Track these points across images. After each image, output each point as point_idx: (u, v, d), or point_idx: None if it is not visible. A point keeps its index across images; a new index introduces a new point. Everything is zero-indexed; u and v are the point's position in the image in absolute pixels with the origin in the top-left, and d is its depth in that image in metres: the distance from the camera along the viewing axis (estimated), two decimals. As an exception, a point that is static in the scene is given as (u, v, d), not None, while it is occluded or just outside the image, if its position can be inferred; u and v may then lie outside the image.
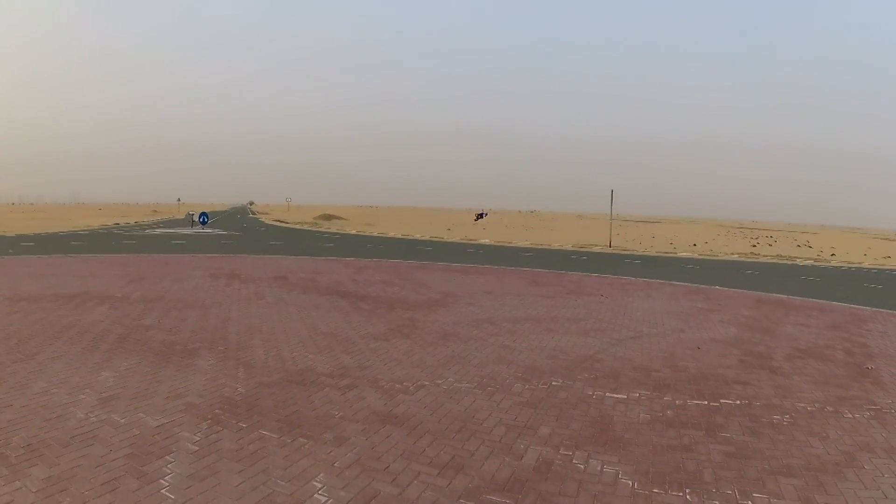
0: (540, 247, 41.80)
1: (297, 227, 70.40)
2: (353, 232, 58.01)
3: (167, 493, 5.11)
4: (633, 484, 5.43)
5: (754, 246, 53.89)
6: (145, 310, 13.51)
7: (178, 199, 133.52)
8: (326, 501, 5.02)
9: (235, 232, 54.34)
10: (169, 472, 5.52)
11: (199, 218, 56.87)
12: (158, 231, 53.14)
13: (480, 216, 61.10)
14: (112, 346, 10.00)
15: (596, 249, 40.38)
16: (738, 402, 7.78)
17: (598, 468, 5.74)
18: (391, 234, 53.35)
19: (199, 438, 6.29)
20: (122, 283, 17.89)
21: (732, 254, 40.21)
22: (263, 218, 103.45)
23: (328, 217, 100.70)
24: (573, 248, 40.82)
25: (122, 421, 6.71)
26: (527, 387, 8.22)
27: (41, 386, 7.89)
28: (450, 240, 47.70)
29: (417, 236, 51.42)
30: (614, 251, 39.30)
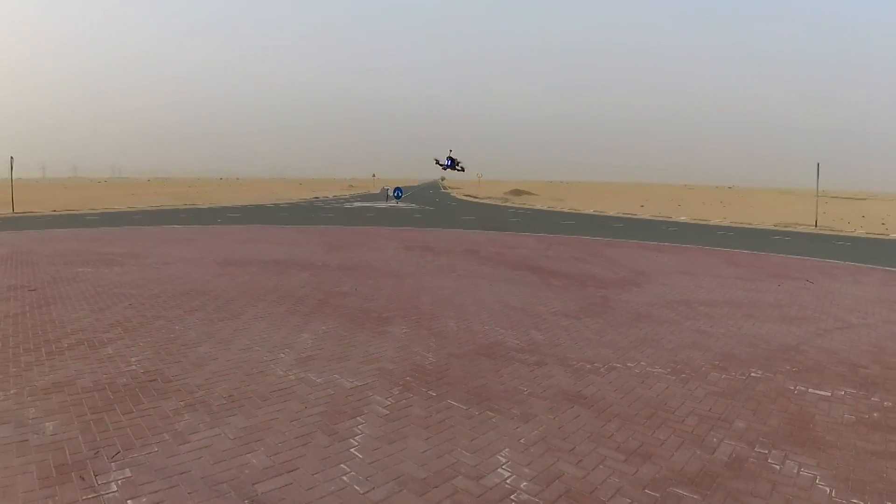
0: (738, 225, 39.69)
1: (488, 202, 71.07)
2: (543, 207, 57.77)
3: (356, 452, 5.25)
4: (830, 491, 4.89)
5: (977, 225, 48.51)
6: (343, 277, 14.07)
7: (374, 175, 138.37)
8: (510, 477, 4.95)
9: (428, 206, 55.65)
10: (359, 432, 5.67)
11: (394, 192, 58.70)
12: (355, 204, 55.42)
13: (448, 164, 46.61)
14: (311, 310, 10.47)
15: (800, 229, 37.79)
16: (958, 409, 6.91)
17: (795, 470, 5.25)
18: (581, 210, 52.66)
19: (389, 403, 6.42)
20: (321, 251, 18.76)
21: None
22: (454, 193, 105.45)
23: (518, 192, 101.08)
24: (774, 227, 38.42)
25: (318, 380, 6.99)
26: (723, 376, 7.75)
27: (244, 343, 8.39)
28: (642, 216, 46.39)
29: (608, 212, 50.44)
30: (820, 231, 36.61)
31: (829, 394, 7.22)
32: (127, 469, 4.78)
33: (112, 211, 41.20)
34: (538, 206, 59.50)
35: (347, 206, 53.23)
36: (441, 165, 43.70)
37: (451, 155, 45.62)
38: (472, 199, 76.55)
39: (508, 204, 65.51)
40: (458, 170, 45.46)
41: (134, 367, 7.24)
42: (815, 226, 39.92)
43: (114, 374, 6.98)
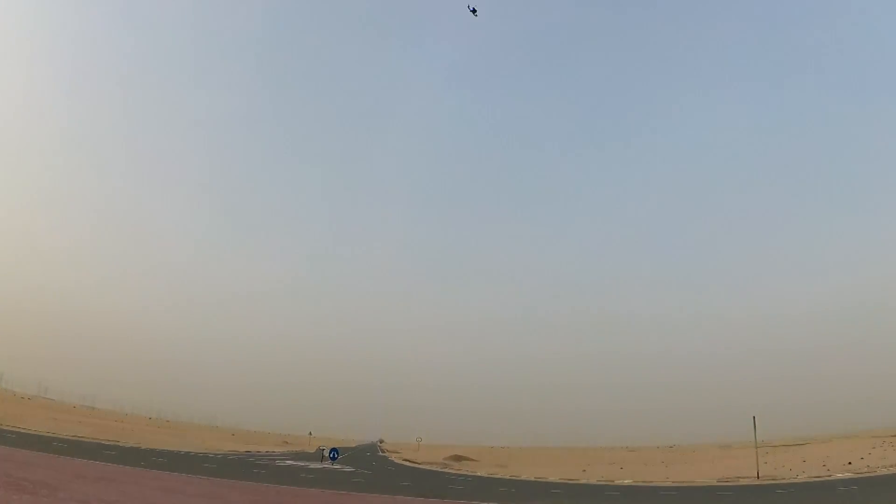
0: (682, 484, 39.52)
1: (427, 467, 69.59)
2: (484, 474, 56.67)
3: None
4: None
5: (914, 455, 49.74)
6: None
7: (310, 433, 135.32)
8: None
9: (365, 469, 54.20)
10: None
11: (330, 453, 56.95)
12: (288, 462, 53.63)
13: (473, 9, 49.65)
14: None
15: (743, 482, 38.14)
16: None
17: None
18: (523, 476, 51.65)
19: None
20: (248, 512, 17.65)
21: (892, 466, 37.63)
22: (393, 457, 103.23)
23: (458, 458, 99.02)
24: (717, 483, 38.52)
25: None
26: None
27: None
28: (585, 481, 45.70)
29: (551, 478, 49.53)
30: (762, 482, 36.89)
31: None
32: None
33: (32, 433, 39.36)
34: (479, 473, 58.40)
35: (280, 463, 51.49)
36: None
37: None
38: (410, 464, 74.88)
39: (448, 470, 64.19)
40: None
41: None
42: (758, 477, 40.01)
43: None
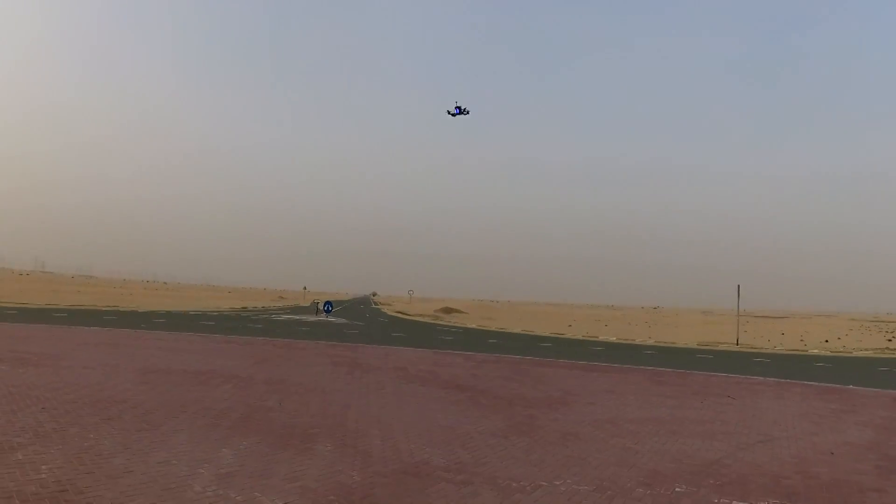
0: (664, 344, 40.71)
1: (418, 319, 71.28)
2: (473, 326, 58.19)
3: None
4: None
5: (889, 341, 51.15)
6: (268, 391, 13.76)
7: (304, 287, 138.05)
8: None
9: (358, 322, 55.50)
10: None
11: (324, 306, 58.23)
12: (284, 317, 54.89)
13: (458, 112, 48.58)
14: (234, 424, 10.17)
15: (722, 347, 39.25)
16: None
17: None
18: (511, 330, 53.10)
19: (312, 523, 6.21)
20: (247, 364, 18.39)
21: (866, 350, 38.83)
22: (385, 309, 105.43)
23: (448, 310, 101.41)
24: (698, 346, 39.63)
25: (238, 498, 6.71)
26: (648, 492, 7.76)
27: (162, 456, 8.06)
28: (571, 336, 47.05)
29: (538, 332, 50.95)
30: (741, 349, 38.07)
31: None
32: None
33: (32, 307, 40.31)
34: (468, 325, 59.92)
35: (276, 318, 52.72)
36: (450, 114, 44.54)
37: (459, 105, 46.14)
38: (402, 316, 76.69)
39: (439, 322, 65.83)
40: (466, 113, 45.91)
41: (44, 475, 6.87)
42: (737, 344, 41.30)
43: (22, 481, 6.61)
